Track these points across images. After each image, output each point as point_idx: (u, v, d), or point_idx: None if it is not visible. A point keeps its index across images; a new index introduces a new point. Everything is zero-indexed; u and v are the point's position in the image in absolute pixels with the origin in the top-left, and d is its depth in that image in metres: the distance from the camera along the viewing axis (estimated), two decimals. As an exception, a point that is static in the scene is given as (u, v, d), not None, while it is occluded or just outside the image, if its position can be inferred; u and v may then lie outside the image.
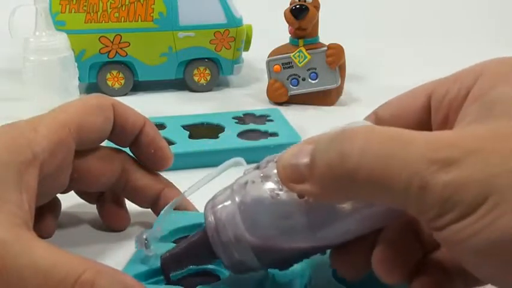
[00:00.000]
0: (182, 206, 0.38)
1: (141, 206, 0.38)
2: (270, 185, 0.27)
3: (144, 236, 0.31)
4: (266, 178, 0.27)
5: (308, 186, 0.24)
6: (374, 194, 0.22)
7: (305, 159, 0.24)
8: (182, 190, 0.38)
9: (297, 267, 0.30)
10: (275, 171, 0.26)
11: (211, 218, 0.28)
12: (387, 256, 0.26)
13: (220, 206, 0.28)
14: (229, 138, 0.51)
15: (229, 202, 0.28)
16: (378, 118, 0.31)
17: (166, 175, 0.38)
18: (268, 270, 0.30)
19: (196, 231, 0.30)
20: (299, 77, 0.65)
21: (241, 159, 0.31)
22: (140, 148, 0.37)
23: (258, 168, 0.28)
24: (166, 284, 0.30)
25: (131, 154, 0.38)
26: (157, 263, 0.31)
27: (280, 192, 0.26)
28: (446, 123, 0.27)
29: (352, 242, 0.27)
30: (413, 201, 0.21)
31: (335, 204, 0.25)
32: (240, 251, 0.27)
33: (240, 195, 0.27)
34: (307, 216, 0.26)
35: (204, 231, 0.29)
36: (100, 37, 0.67)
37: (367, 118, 0.31)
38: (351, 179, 0.22)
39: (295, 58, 0.64)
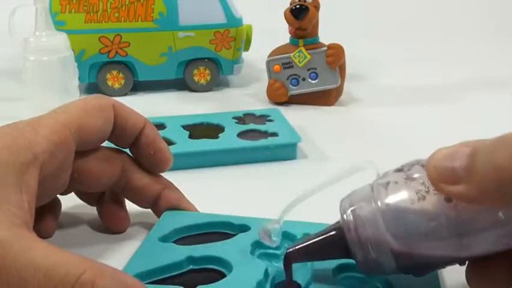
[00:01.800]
0: (183, 206, 0.38)
1: (141, 207, 0.38)
2: (416, 186, 0.26)
3: (269, 228, 0.31)
4: (411, 180, 0.27)
5: (463, 188, 0.24)
6: None
7: (462, 162, 0.24)
8: (182, 190, 0.39)
9: (297, 267, 0.30)
10: (420, 174, 0.26)
11: (349, 216, 0.28)
12: None
13: (359, 203, 0.28)
14: (229, 138, 0.51)
15: (369, 201, 0.27)
16: None
17: (166, 175, 0.38)
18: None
19: (328, 227, 0.29)
20: (299, 77, 0.65)
21: (370, 163, 0.29)
22: (139, 149, 0.37)
23: (400, 170, 0.28)
24: (285, 279, 0.30)
25: (131, 155, 0.38)
26: (157, 263, 0.31)
27: (426, 195, 0.26)
28: None
29: (493, 256, 0.26)
30: None
31: (487, 210, 0.25)
32: (379, 252, 0.27)
33: (382, 194, 0.27)
34: (454, 221, 0.25)
35: (338, 227, 0.28)
36: (100, 37, 0.67)
37: None
38: None
39: (295, 58, 0.64)
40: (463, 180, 0.24)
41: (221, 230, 0.36)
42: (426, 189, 0.26)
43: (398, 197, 0.27)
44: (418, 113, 0.64)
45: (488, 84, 0.77)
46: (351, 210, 0.28)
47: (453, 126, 0.59)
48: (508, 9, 1.12)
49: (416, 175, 0.27)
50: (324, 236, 0.29)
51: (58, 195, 0.37)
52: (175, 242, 0.34)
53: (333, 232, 0.29)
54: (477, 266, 0.27)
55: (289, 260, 0.30)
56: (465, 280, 0.28)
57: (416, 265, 0.27)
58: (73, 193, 0.38)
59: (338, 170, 0.29)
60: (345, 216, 0.28)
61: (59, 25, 0.64)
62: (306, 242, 0.30)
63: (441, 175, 0.24)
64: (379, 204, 0.27)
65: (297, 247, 0.30)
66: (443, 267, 0.28)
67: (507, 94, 0.71)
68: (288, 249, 0.30)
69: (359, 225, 0.27)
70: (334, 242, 0.29)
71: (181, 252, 0.33)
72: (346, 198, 0.29)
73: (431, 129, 0.58)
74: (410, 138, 0.56)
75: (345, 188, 0.29)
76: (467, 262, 0.28)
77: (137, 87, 0.71)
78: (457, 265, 0.28)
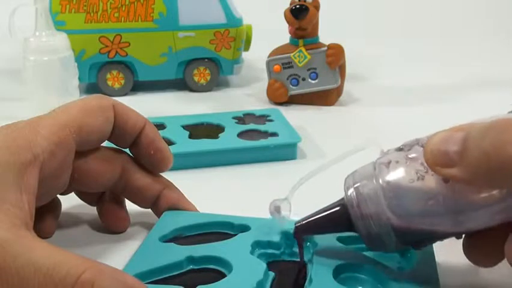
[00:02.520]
0: (183, 206, 0.38)
1: (141, 207, 0.38)
2: (415, 166, 0.28)
3: (278, 204, 0.33)
4: (411, 160, 0.28)
5: (457, 171, 0.25)
6: None
7: (455, 146, 0.25)
8: (182, 190, 0.39)
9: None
10: (419, 154, 0.28)
11: (352, 192, 0.29)
12: None
13: (362, 181, 0.29)
14: (229, 138, 0.51)
15: (371, 179, 0.29)
16: None
17: (166, 175, 0.38)
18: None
19: (333, 203, 0.31)
20: (299, 77, 0.65)
21: (373, 141, 0.31)
22: (140, 149, 0.37)
23: (401, 150, 0.29)
24: (298, 250, 0.33)
25: (131, 155, 0.38)
26: (157, 263, 0.31)
27: (425, 175, 0.27)
28: None
29: (486, 230, 0.28)
30: None
31: (482, 190, 0.26)
32: (380, 226, 0.29)
33: (384, 173, 0.29)
34: (451, 199, 0.27)
35: (343, 203, 0.30)
36: (100, 37, 0.67)
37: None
38: (506, 168, 0.23)
39: (295, 58, 0.64)
40: (456, 163, 0.25)
41: (221, 230, 0.36)
42: (425, 170, 0.27)
43: (399, 175, 0.28)
44: (418, 113, 0.64)
45: (488, 84, 0.77)
46: (355, 188, 0.29)
47: (453, 126, 0.59)
48: (507, 9, 1.12)
49: (415, 155, 0.28)
50: (330, 211, 0.31)
51: (58, 195, 0.37)
52: (175, 242, 0.34)
53: (338, 208, 0.31)
54: (473, 239, 0.29)
55: (299, 232, 0.32)
56: (465, 280, 0.28)
57: (415, 239, 0.29)
58: (73, 193, 0.38)
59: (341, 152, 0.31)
60: (348, 193, 0.30)
61: (59, 25, 0.64)
62: (314, 216, 0.32)
63: (437, 158, 0.26)
64: (380, 182, 0.28)
65: (305, 221, 0.32)
66: (441, 240, 0.29)
67: (507, 94, 0.71)
68: (297, 222, 0.32)
69: (361, 202, 0.29)
70: (339, 217, 0.30)
71: (181, 252, 0.33)
72: (350, 175, 0.31)
73: (431, 129, 0.58)
74: (410, 138, 0.55)
75: (350, 167, 0.31)
76: (463, 235, 0.30)
77: (137, 87, 0.71)
78: (457, 265, 0.28)
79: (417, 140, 0.29)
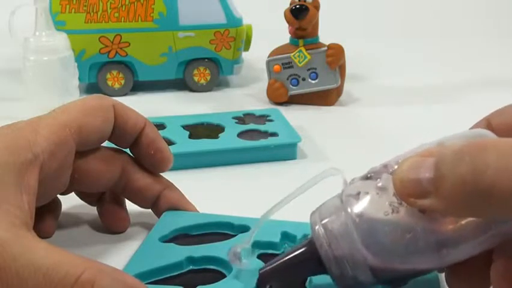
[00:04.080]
0: (183, 207, 0.38)
1: (141, 207, 0.38)
2: (388, 198, 0.25)
3: (238, 250, 0.30)
4: (382, 190, 0.25)
5: (432, 202, 0.23)
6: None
7: (427, 174, 0.23)
8: (182, 190, 0.39)
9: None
10: (390, 184, 0.25)
11: (320, 230, 0.26)
12: (508, 269, 0.25)
13: (330, 217, 0.26)
14: (229, 138, 0.51)
15: (340, 213, 0.26)
16: (492, 127, 0.29)
17: (166, 175, 0.38)
18: None
19: (298, 244, 0.29)
20: (299, 77, 0.65)
21: (337, 170, 0.28)
22: (140, 149, 0.37)
23: (368, 178, 0.27)
24: None
25: (131, 155, 0.38)
26: (157, 263, 0.31)
27: (399, 206, 0.25)
28: None
29: (468, 259, 0.25)
30: None
31: (463, 219, 0.24)
32: (355, 267, 0.26)
33: (353, 207, 0.26)
34: (431, 232, 0.24)
35: (310, 244, 0.27)
36: (100, 37, 0.67)
37: (477, 125, 0.29)
38: (486, 195, 0.21)
39: (295, 58, 0.64)
40: (431, 193, 0.23)
41: (221, 230, 0.36)
42: (399, 201, 0.25)
43: (371, 209, 0.25)
44: (418, 113, 0.64)
45: (488, 84, 0.77)
46: (322, 225, 0.27)
47: (453, 126, 0.58)
48: (507, 9, 1.11)
49: (386, 185, 0.25)
50: (296, 253, 0.28)
51: (58, 195, 0.37)
52: (175, 242, 0.34)
53: (305, 248, 0.28)
54: (456, 269, 0.27)
55: (263, 281, 0.29)
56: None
57: (395, 277, 0.27)
58: (73, 193, 0.38)
59: (307, 179, 0.28)
60: (316, 231, 0.27)
61: (59, 25, 0.64)
62: (279, 260, 0.29)
63: (408, 188, 0.24)
64: (351, 215, 0.26)
65: (269, 267, 0.29)
66: (424, 275, 0.27)
67: (507, 94, 0.71)
68: (260, 269, 0.29)
69: (331, 241, 0.26)
70: (310, 260, 0.28)
71: (181, 252, 0.33)
72: (315, 211, 0.28)
73: (431, 129, 0.58)
74: (410, 138, 0.55)
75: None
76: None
77: (137, 87, 0.71)
78: None
79: (386, 166, 0.26)
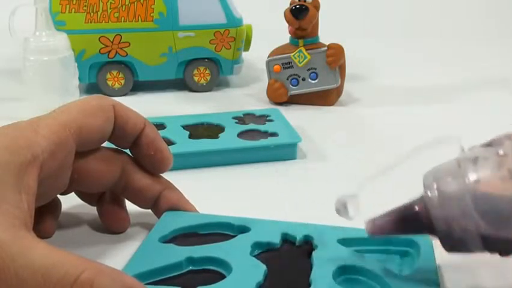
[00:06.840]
0: (183, 207, 0.38)
1: (141, 207, 0.38)
2: (508, 165, 0.24)
3: (346, 199, 0.29)
4: (503, 157, 0.25)
5: None
6: None
7: None
8: (182, 190, 0.39)
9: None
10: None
11: (433, 190, 0.26)
12: None
13: (445, 179, 0.26)
14: (229, 138, 0.51)
15: (455, 176, 0.26)
16: None
17: (166, 175, 0.38)
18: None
19: (408, 202, 0.28)
20: (299, 77, 0.65)
21: (453, 137, 0.27)
22: (140, 150, 0.37)
23: (489, 146, 0.26)
24: None
25: (131, 155, 0.38)
26: (157, 264, 0.31)
27: None
28: None
29: None
30: None
31: None
32: (465, 231, 0.25)
33: (471, 171, 0.25)
34: None
35: (422, 202, 0.27)
36: (100, 37, 0.67)
37: None
38: None
39: (295, 58, 0.64)
40: None
41: (221, 231, 0.36)
42: None
43: (489, 174, 0.25)
44: (418, 113, 0.64)
45: (488, 84, 0.77)
46: (437, 185, 0.26)
47: (453, 126, 0.59)
48: (508, 9, 1.12)
49: (507, 152, 0.25)
50: (407, 210, 0.28)
51: (58, 195, 0.37)
52: (175, 242, 0.34)
53: (417, 208, 0.28)
54: None
55: (371, 232, 0.29)
56: (465, 283, 0.28)
57: (505, 247, 0.26)
58: (73, 193, 0.38)
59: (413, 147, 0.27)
60: (429, 192, 0.26)
61: (59, 25, 0.64)
62: (388, 216, 0.28)
63: None
64: (467, 181, 0.25)
65: (378, 221, 0.29)
66: None
67: (507, 94, 0.71)
68: (367, 222, 0.29)
69: (444, 202, 0.26)
70: (419, 218, 0.27)
71: (181, 252, 0.33)
72: (429, 172, 0.27)
73: (432, 129, 0.58)
74: (410, 138, 0.55)
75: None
76: None
77: (137, 87, 0.71)
78: (457, 267, 0.27)
79: (507, 135, 0.26)
